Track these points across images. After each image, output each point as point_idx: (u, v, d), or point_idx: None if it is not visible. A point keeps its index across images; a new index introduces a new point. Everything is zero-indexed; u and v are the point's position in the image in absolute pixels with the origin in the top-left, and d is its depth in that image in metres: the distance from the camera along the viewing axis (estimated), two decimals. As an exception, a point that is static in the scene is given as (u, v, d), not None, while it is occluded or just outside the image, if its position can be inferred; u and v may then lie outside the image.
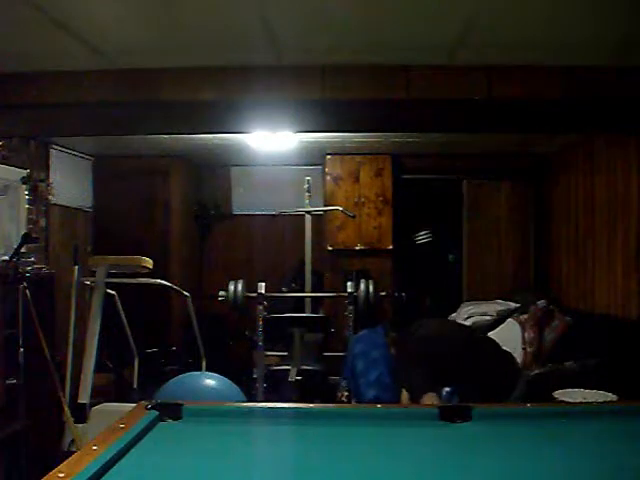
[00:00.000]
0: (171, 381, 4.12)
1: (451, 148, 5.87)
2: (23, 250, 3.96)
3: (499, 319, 5.19)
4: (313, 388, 4.86)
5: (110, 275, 4.34)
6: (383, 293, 5.23)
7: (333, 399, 4.38)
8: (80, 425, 3.91)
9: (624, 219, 4.44)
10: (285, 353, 5.20)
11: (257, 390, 4.73)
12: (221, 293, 4.95)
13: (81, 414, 3.99)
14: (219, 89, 3.35)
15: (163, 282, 4.65)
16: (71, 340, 4.23)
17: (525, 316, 4.93)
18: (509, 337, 4.86)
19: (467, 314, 5.42)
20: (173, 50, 3.09)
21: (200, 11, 2.59)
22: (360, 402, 3.21)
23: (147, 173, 6.13)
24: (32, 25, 2.71)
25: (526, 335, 4.76)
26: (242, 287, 4.91)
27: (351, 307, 4.91)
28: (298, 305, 5.77)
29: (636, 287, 4.25)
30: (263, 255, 6.59)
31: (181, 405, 2.16)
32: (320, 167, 6.33)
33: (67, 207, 5.37)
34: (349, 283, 5.01)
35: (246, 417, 2.17)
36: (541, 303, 4.99)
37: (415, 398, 2.84)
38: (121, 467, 1.63)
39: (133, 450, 1.77)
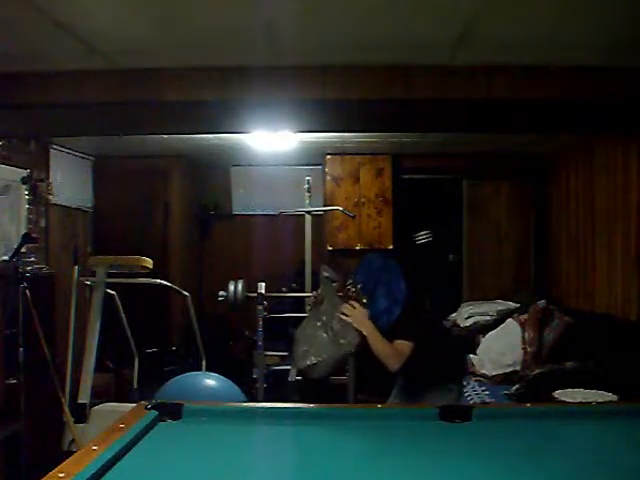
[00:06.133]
0: (171, 381, 4.12)
1: (451, 148, 5.87)
2: (23, 250, 3.97)
3: (499, 319, 5.20)
4: (313, 388, 4.86)
5: (110, 275, 4.35)
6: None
7: (333, 398, 4.38)
8: (80, 425, 3.92)
9: (624, 219, 4.44)
10: (285, 353, 5.20)
11: (257, 390, 4.74)
12: (221, 293, 4.95)
13: (81, 414, 4.00)
14: (219, 89, 3.34)
15: (163, 282, 4.66)
16: (71, 340, 4.23)
17: (525, 316, 4.93)
18: (509, 337, 4.87)
19: (467, 314, 5.42)
20: (173, 50, 3.08)
21: (200, 11, 2.59)
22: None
23: (147, 173, 6.13)
24: (32, 25, 2.71)
25: (526, 335, 4.76)
26: (242, 287, 4.91)
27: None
28: (298, 305, 5.77)
29: (636, 287, 4.25)
30: (263, 255, 6.59)
31: (181, 405, 2.16)
32: (320, 167, 6.33)
33: (67, 207, 5.38)
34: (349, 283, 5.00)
35: (246, 417, 2.17)
36: (541, 303, 5.00)
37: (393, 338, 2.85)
38: (121, 467, 1.63)
39: (133, 450, 1.77)
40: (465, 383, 4.54)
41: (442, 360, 3.08)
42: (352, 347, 2.96)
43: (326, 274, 3.18)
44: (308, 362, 2.97)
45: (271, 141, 5.20)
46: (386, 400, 3.07)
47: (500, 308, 5.38)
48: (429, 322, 3.13)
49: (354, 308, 2.91)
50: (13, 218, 4.50)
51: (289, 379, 4.84)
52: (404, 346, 2.85)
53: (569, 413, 2.23)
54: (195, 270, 6.68)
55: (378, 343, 2.85)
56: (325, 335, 3.07)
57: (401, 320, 2.94)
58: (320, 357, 2.95)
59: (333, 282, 3.17)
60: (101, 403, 4.23)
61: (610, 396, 3.46)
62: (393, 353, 2.84)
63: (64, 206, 5.31)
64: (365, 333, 2.87)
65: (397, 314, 2.94)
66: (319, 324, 3.00)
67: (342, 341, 2.95)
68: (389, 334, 2.89)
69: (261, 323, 4.85)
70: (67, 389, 4.12)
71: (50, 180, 5.05)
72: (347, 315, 2.90)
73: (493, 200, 6.31)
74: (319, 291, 3.17)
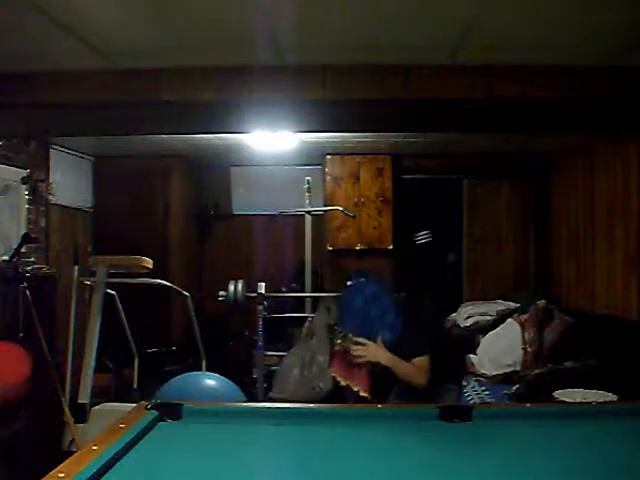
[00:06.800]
0: (171, 381, 4.12)
1: (451, 148, 5.87)
2: (23, 250, 3.97)
3: (499, 319, 5.19)
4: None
5: (110, 275, 4.35)
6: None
7: (333, 399, 4.38)
8: (80, 425, 3.92)
9: (624, 219, 4.44)
10: (285, 353, 5.20)
11: (257, 390, 4.74)
12: (221, 293, 4.95)
13: (81, 414, 4.00)
14: (219, 89, 3.34)
15: (163, 282, 4.66)
16: (71, 340, 4.23)
17: (525, 316, 4.93)
18: (509, 337, 4.87)
19: (467, 314, 5.42)
20: (173, 50, 3.09)
21: (200, 11, 2.59)
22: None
23: (147, 173, 6.13)
24: (32, 25, 2.71)
25: (526, 335, 4.76)
26: (242, 287, 4.91)
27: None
28: (298, 305, 5.77)
29: (636, 287, 4.25)
30: (263, 255, 6.58)
31: (181, 405, 2.16)
32: (320, 167, 6.33)
33: (67, 207, 5.37)
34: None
35: (246, 417, 2.17)
36: (541, 303, 4.99)
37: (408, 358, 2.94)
38: (121, 467, 1.63)
39: (133, 450, 1.77)
40: (465, 383, 4.54)
41: (442, 361, 3.11)
42: (321, 395, 3.04)
43: (326, 305, 3.25)
44: (272, 394, 3.08)
45: (271, 141, 5.20)
46: (386, 400, 3.07)
47: (500, 308, 5.37)
48: (431, 327, 3.17)
49: (363, 345, 2.95)
50: (13, 218, 4.50)
51: (289, 379, 4.83)
52: (423, 362, 2.97)
53: (569, 413, 2.23)
54: (195, 270, 6.68)
55: (400, 367, 2.94)
56: (298, 374, 3.17)
57: (410, 338, 3.00)
58: (283, 394, 3.04)
59: (329, 310, 3.24)
60: (101, 403, 4.23)
61: (610, 396, 3.45)
62: (416, 372, 2.94)
63: (64, 206, 5.31)
64: (385, 364, 2.93)
65: (397, 335, 3.00)
66: (297, 362, 3.10)
67: (314, 385, 3.03)
68: (402, 354, 2.95)
69: (261, 323, 4.85)
70: (67, 389, 4.12)
71: (50, 180, 5.04)
72: (360, 356, 2.94)
73: (493, 200, 6.31)
74: (313, 320, 3.24)
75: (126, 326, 4.76)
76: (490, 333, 5.07)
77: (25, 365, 1.87)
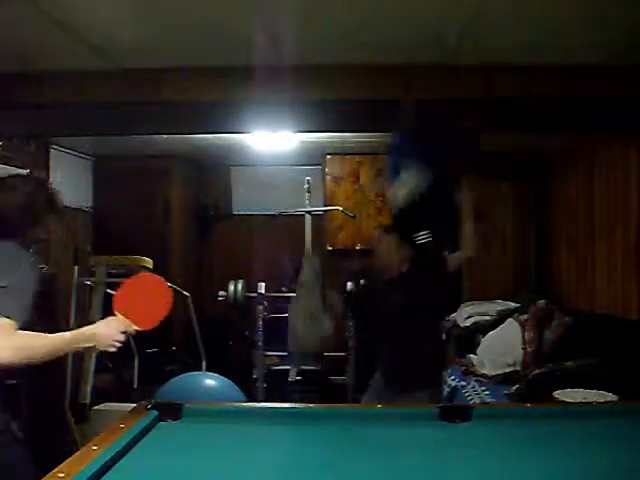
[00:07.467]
0: (171, 381, 4.13)
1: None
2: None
3: (499, 319, 5.19)
4: (313, 388, 4.86)
5: (110, 275, 4.35)
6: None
7: (333, 399, 4.39)
8: (80, 425, 3.92)
9: (624, 219, 4.44)
10: (285, 353, 5.20)
11: (257, 390, 4.74)
12: (221, 293, 4.96)
13: (81, 414, 4.00)
14: (219, 89, 3.35)
15: (163, 282, 4.65)
16: (71, 340, 4.22)
17: (525, 316, 4.93)
18: (509, 337, 4.87)
19: (467, 314, 5.42)
20: (173, 50, 3.09)
21: (200, 11, 2.59)
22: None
23: (147, 173, 6.12)
24: (32, 25, 2.71)
25: (526, 335, 4.76)
26: (242, 287, 4.92)
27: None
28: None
29: (636, 287, 4.25)
30: (263, 255, 6.58)
31: (181, 405, 2.16)
32: (320, 167, 6.33)
33: (67, 207, 5.37)
34: (349, 283, 5.02)
35: (246, 417, 2.18)
36: (541, 303, 4.99)
37: None
38: (121, 467, 1.63)
39: (133, 450, 1.77)
40: (465, 383, 4.54)
41: (423, 361, 3.20)
42: (328, 339, 3.46)
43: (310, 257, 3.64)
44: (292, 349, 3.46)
45: (271, 141, 5.20)
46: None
47: (500, 308, 5.37)
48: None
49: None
50: (13, 218, 4.49)
51: (289, 379, 4.85)
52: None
53: (569, 413, 2.24)
54: (195, 270, 6.67)
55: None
56: (302, 327, 3.69)
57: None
58: (299, 349, 3.38)
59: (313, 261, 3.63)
60: (101, 403, 4.23)
61: (610, 396, 3.45)
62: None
63: (64, 206, 5.30)
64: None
65: None
66: (296, 317, 3.56)
67: (319, 333, 3.45)
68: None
69: (261, 323, 4.86)
70: (67, 389, 4.12)
71: (50, 180, 5.04)
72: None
73: (493, 200, 6.30)
74: (301, 272, 3.64)
75: (126, 326, 4.75)
76: (490, 333, 5.07)
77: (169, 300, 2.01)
